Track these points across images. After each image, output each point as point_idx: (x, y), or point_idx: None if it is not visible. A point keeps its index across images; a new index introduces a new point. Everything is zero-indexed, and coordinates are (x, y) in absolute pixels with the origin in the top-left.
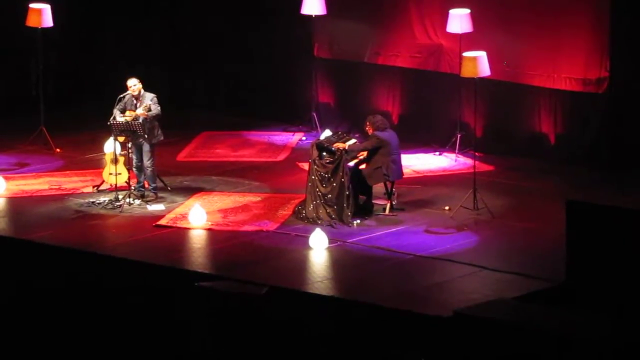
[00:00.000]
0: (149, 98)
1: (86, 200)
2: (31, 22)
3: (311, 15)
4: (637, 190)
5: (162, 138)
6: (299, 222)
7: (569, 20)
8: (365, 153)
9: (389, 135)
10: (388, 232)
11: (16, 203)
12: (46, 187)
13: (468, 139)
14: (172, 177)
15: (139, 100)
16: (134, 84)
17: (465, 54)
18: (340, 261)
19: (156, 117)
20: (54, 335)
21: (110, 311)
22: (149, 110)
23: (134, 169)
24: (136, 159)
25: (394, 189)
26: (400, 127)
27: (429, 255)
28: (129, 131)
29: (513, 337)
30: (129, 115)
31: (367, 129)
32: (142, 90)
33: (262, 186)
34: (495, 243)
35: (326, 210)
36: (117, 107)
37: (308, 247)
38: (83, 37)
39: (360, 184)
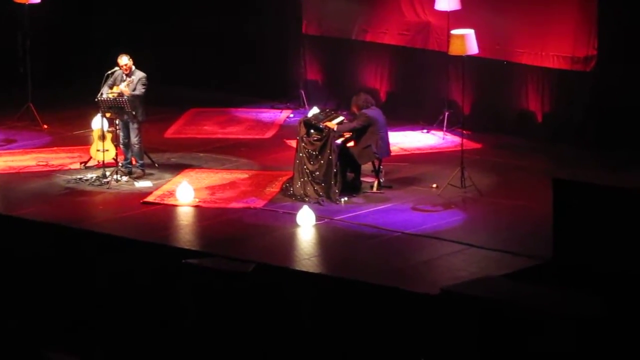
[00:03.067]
0: (138, 77)
1: (73, 177)
2: None
3: None
4: (623, 168)
5: (144, 118)
6: (287, 199)
7: None
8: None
9: (375, 112)
10: (375, 209)
11: (3, 179)
12: (33, 163)
13: (456, 117)
14: (159, 153)
15: (129, 77)
16: (124, 62)
17: (453, 31)
18: (328, 238)
19: (138, 98)
20: (41, 311)
21: (97, 288)
22: (134, 90)
23: (121, 146)
24: (123, 136)
25: (381, 167)
26: (388, 105)
27: (416, 232)
28: (116, 107)
29: (500, 315)
30: (114, 91)
31: (353, 109)
32: (134, 68)
33: (249, 163)
34: (483, 221)
35: (314, 187)
36: (106, 83)
37: (295, 225)
38: (70, 13)
39: (348, 161)
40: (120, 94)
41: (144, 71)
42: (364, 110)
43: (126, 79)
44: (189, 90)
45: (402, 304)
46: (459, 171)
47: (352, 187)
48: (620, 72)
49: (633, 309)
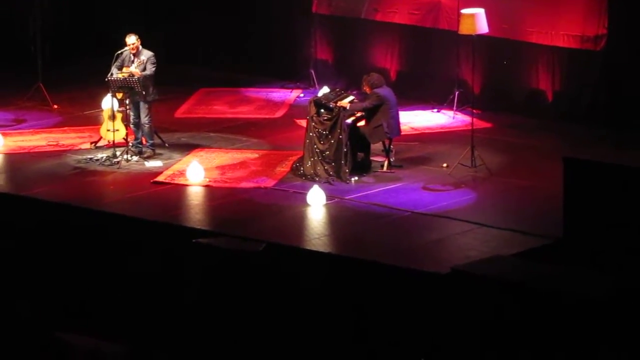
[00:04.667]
0: (146, 56)
1: (84, 157)
2: None
3: None
4: (634, 147)
5: (157, 97)
6: (297, 178)
7: None
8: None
9: (387, 92)
10: (386, 189)
11: (14, 159)
12: (44, 143)
13: (466, 96)
14: (169, 133)
15: (137, 57)
16: (132, 42)
17: (464, 10)
18: (338, 218)
19: (150, 77)
20: (53, 292)
21: (108, 267)
22: (144, 69)
23: (131, 126)
24: (134, 116)
25: (392, 146)
26: (398, 84)
27: (426, 212)
28: (126, 87)
29: (510, 294)
30: (125, 72)
31: (364, 88)
32: (141, 47)
33: (260, 143)
34: (493, 200)
35: (324, 167)
36: (115, 63)
37: (306, 204)
38: None
39: (358, 141)
40: (131, 74)
41: (153, 50)
42: (375, 90)
43: (134, 59)
44: (199, 69)
45: (412, 283)
46: (469, 150)
47: (363, 167)
48: (631, 51)
49: None
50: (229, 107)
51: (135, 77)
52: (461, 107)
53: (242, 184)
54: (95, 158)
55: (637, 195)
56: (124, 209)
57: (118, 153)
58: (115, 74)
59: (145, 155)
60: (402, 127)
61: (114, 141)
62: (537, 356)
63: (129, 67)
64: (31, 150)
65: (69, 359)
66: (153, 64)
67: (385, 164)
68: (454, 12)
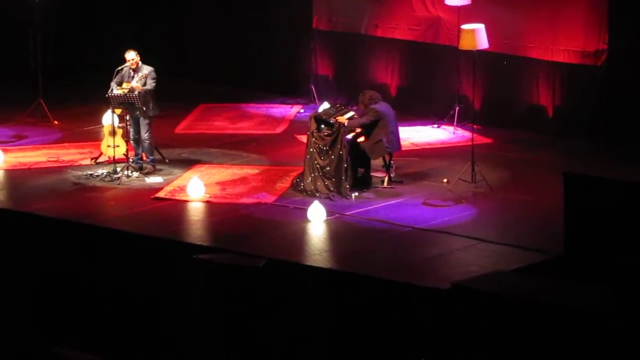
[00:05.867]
0: (147, 71)
1: (84, 173)
2: None
3: None
4: (634, 162)
5: (157, 112)
6: (297, 194)
7: None
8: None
9: (384, 107)
10: (386, 204)
11: (14, 175)
12: (44, 159)
13: (466, 112)
14: (170, 149)
15: (137, 73)
16: (131, 57)
17: (464, 26)
18: (338, 234)
19: (150, 92)
20: (53, 307)
21: (109, 284)
22: (144, 84)
23: (131, 142)
24: (134, 132)
25: (392, 162)
26: (398, 100)
27: (427, 227)
28: (126, 103)
29: (511, 310)
30: (125, 87)
31: (360, 106)
32: (140, 63)
33: (260, 159)
34: (493, 215)
35: (324, 182)
36: (115, 79)
37: (306, 220)
38: (81, 8)
39: (358, 156)
40: (131, 90)
41: (153, 66)
42: (372, 105)
43: (133, 75)
44: (199, 85)
45: (413, 298)
46: (469, 166)
47: (363, 182)
48: (631, 66)
49: None
50: (229, 123)
51: (136, 92)
52: (461, 122)
53: (243, 200)
54: (96, 174)
55: (637, 210)
56: (124, 224)
57: (118, 169)
58: (115, 89)
59: (145, 171)
60: (403, 143)
61: (114, 157)
62: None
63: (129, 82)
64: (32, 167)
65: None
66: (153, 79)
67: (386, 179)
68: (454, 28)
